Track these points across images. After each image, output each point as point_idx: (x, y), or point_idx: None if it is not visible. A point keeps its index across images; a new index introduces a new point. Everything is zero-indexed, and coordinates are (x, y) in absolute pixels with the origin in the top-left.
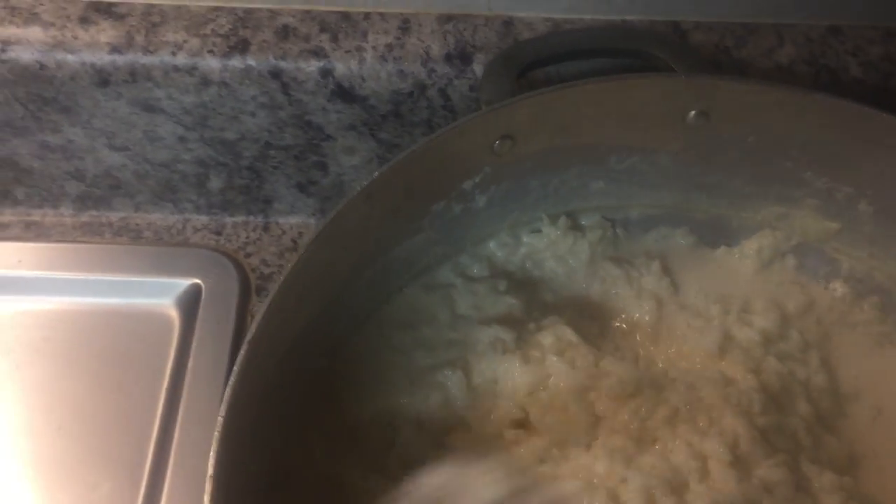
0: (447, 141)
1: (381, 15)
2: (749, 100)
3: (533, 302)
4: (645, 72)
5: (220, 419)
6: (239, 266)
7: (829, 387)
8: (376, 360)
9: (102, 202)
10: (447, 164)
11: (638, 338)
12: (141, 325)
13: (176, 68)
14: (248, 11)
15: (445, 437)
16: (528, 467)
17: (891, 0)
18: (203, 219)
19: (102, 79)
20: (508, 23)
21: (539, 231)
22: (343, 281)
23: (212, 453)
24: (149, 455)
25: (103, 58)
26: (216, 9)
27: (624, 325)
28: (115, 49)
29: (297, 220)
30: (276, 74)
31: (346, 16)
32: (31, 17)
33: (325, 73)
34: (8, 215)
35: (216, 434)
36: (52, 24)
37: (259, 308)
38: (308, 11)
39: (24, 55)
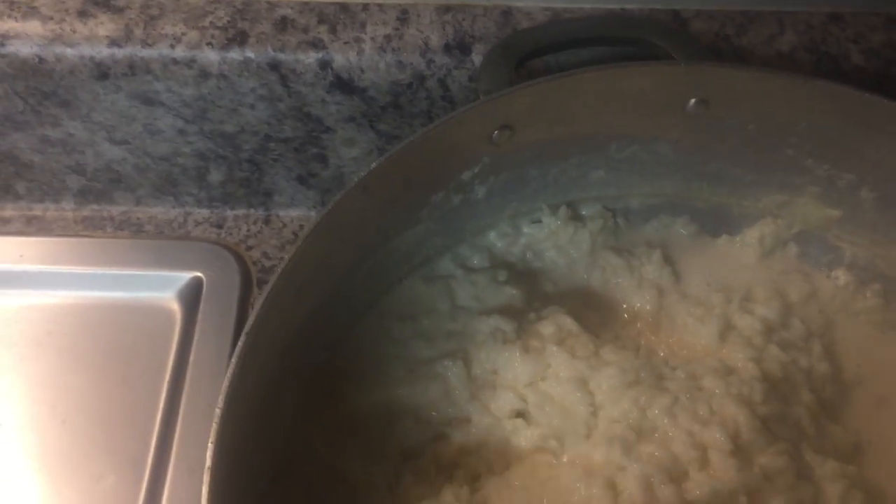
0: (445, 131)
1: (380, 6)
2: (749, 87)
3: (533, 292)
4: (644, 60)
5: (217, 411)
6: (240, 259)
7: (832, 375)
8: (376, 351)
9: (103, 196)
10: (446, 155)
11: (639, 327)
12: (143, 318)
13: (175, 61)
14: (247, 3)
15: (445, 427)
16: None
17: None
18: (204, 212)
19: (102, 72)
20: (507, 12)
21: (539, 221)
22: (342, 273)
23: (210, 445)
24: (151, 447)
25: (102, 51)
26: (214, 1)
27: (625, 315)
28: (113, 42)
29: (298, 213)
30: (274, 66)
31: (344, 7)
32: (30, 11)
33: (324, 64)
34: (9, 210)
35: (214, 426)
36: (51, 18)
37: (257, 300)
38: (306, 3)
39: (23, 49)
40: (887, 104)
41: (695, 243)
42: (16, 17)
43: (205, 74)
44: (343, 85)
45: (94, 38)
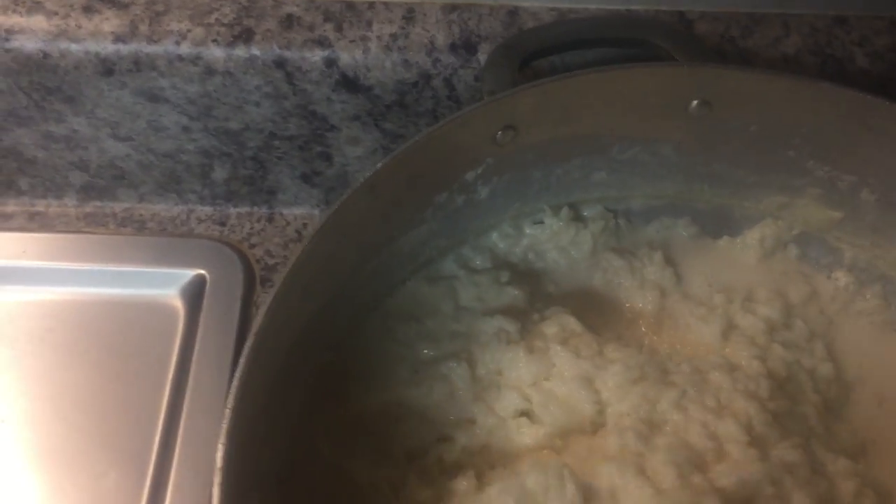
0: (450, 131)
1: (386, 4)
2: (752, 89)
3: (536, 293)
4: (648, 61)
5: (227, 411)
6: (243, 257)
7: (836, 376)
8: (380, 352)
9: (106, 193)
10: (450, 155)
11: (641, 327)
12: (145, 315)
13: (180, 58)
14: (252, 0)
15: (450, 428)
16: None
17: None
18: (207, 209)
19: (106, 68)
20: (513, 12)
21: (541, 222)
22: (346, 273)
23: (220, 445)
24: (154, 445)
25: (107, 47)
26: None
27: (627, 315)
28: (118, 38)
29: (301, 211)
30: (280, 64)
31: (350, 5)
32: (35, 6)
33: (330, 62)
34: (12, 206)
35: (224, 426)
36: (56, 13)
37: (265, 298)
38: (312, 0)
39: (28, 44)
40: (889, 106)
41: (696, 245)
42: (20, 12)
43: (210, 71)
44: (348, 83)
45: (99, 34)
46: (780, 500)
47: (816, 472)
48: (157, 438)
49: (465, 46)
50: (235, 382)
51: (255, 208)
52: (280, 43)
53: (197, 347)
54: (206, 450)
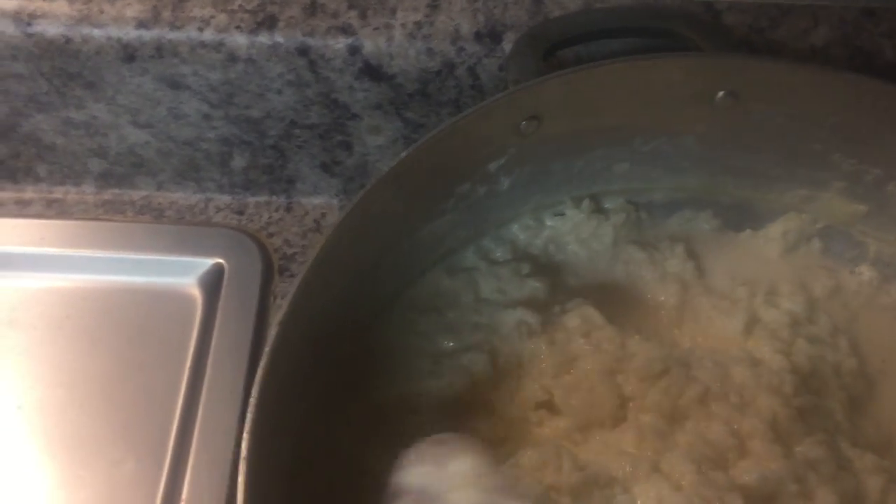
0: (474, 121)
1: None
2: (779, 79)
3: (556, 285)
4: (674, 52)
5: (252, 401)
6: (261, 246)
7: (860, 370)
8: (401, 344)
9: (125, 180)
10: (473, 145)
11: (663, 321)
12: (163, 304)
13: (203, 44)
14: None
15: (470, 420)
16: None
17: None
18: (226, 198)
19: (128, 54)
20: (539, 1)
21: (562, 214)
22: (368, 264)
23: (245, 435)
24: (172, 433)
25: (129, 33)
26: None
27: (648, 309)
28: (141, 24)
29: (320, 201)
30: (303, 51)
31: None
32: None
33: (354, 50)
34: (30, 192)
35: (249, 416)
36: None
37: (287, 288)
38: None
39: (50, 29)
40: None
41: (718, 238)
42: None
43: (233, 58)
44: (372, 71)
45: (122, 20)
46: (804, 497)
47: (842, 468)
48: (174, 427)
49: (490, 35)
50: (260, 373)
51: (274, 197)
52: (304, 30)
53: (215, 336)
54: (224, 438)
